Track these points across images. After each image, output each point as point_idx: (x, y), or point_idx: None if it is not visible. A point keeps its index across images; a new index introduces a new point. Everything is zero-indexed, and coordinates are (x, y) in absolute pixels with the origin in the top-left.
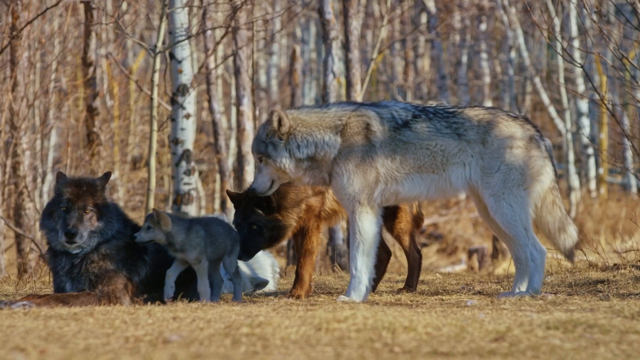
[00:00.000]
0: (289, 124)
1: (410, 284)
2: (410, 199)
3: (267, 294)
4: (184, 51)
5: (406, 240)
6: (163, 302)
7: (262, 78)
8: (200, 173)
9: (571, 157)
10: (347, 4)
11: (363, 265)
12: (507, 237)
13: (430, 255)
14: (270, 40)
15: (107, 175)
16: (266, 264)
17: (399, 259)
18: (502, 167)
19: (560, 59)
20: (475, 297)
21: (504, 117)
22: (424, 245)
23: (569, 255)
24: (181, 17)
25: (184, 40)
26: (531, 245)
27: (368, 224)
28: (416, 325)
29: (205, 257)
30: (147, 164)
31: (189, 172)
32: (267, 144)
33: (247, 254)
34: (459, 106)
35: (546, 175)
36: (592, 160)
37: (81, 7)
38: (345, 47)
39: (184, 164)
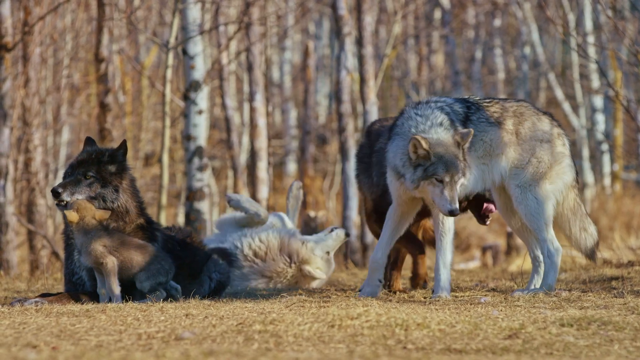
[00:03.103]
0: None
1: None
2: (471, 193)
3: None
4: (197, 47)
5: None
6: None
7: (275, 74)
8: (213, 169)
9: (585, 153)
10: None
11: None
12: (525, 234)
13: None
14: (283, 35)
15: (122, 144)
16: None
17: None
18: (532, 159)
19: (574, 55)
20: (489, 294)
21: (534, 110)
22: None
23: (591, 254)
24: (194, 12)
25: (196, 36)
26: (549, 242)
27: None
28: (429, 322)
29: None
30: (160, 161)
31: (201, 169)
32: (464, 163)
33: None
34: (492, 97)
35: (570, 173)
36: (606, 157)
37: (93, 2)
38: (359, 42)
39: (196, 160)
